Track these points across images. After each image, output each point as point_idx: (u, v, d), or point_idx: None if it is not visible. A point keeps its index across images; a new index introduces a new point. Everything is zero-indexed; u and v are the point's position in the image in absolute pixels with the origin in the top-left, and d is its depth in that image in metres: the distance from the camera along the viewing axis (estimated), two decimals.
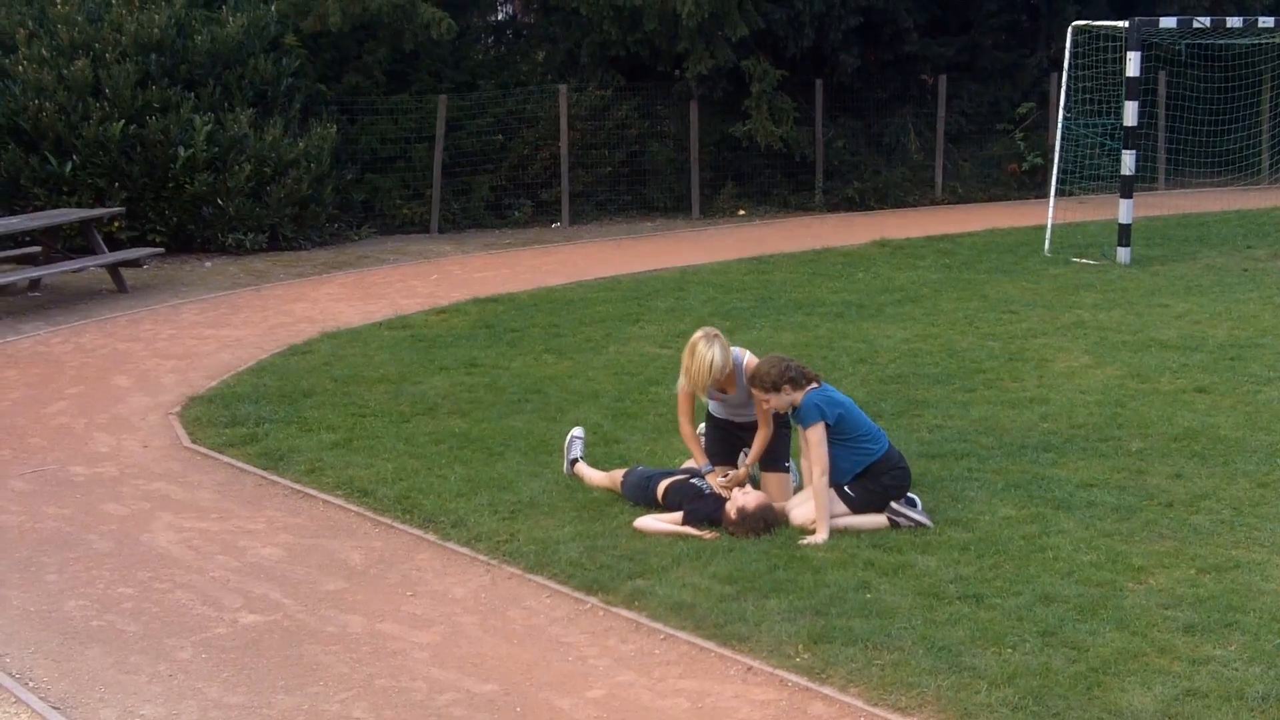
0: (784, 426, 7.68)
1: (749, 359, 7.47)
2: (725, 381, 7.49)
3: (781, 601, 6.18)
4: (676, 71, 21.22)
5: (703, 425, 8.20)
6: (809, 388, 7.16)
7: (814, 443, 7.05)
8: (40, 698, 5.52)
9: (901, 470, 7.21)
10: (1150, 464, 8.09)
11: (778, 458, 7.60)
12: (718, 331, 7.40)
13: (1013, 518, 7.20)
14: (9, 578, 6.78)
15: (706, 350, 7.27)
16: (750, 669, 5.63)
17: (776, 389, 7.16)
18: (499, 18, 23.70)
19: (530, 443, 8.71)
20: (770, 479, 7.57)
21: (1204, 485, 7.69)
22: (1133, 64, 15.25)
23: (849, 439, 7.12)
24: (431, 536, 7.23)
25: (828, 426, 7.06)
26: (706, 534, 7.03)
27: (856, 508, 7.10)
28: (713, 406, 7.81)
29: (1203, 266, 15.17)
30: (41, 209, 15.98)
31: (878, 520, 7.10)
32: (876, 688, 5.39)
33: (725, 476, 7.42)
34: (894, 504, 7.11)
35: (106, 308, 13.88)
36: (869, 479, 7.12)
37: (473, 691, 5.51)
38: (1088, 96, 18.74)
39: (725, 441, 7.75)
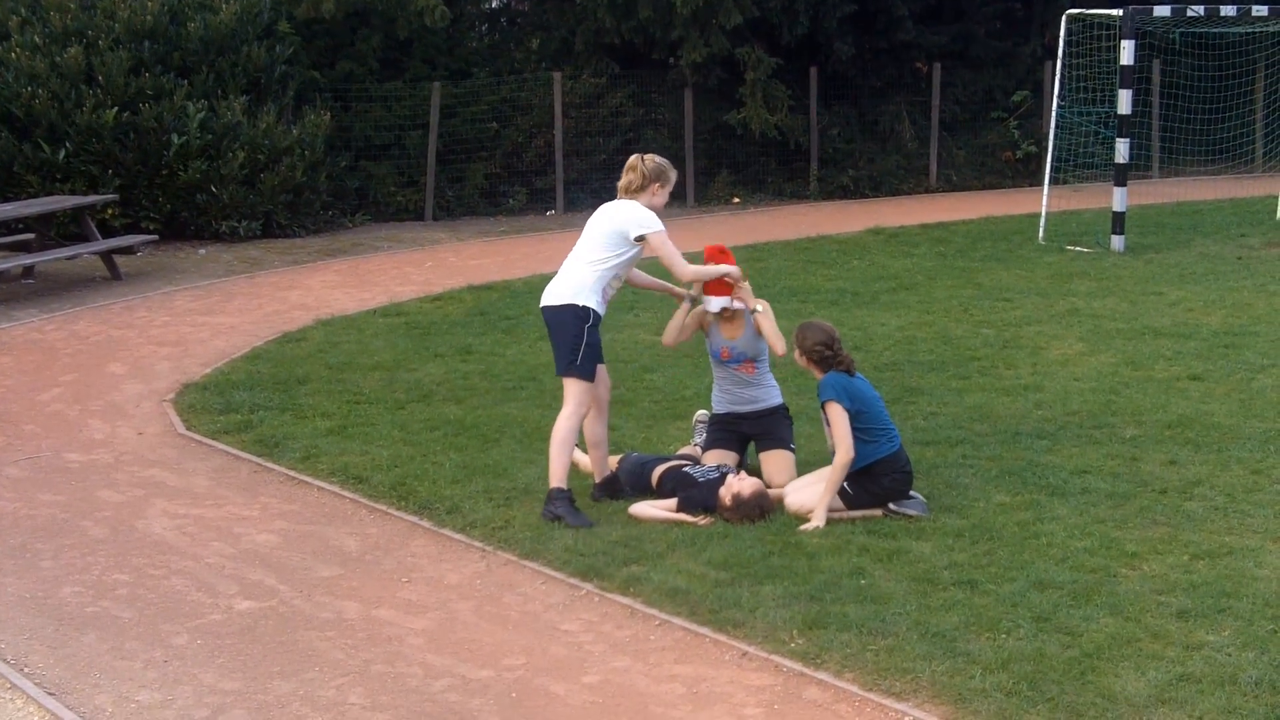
0: (786, 415, 7.72)
1: (765, 307, 7.60)
2: (733, 324, 7.67)
3: (776, 587, 6.19)
4: (671, 59, 21.19)
5: (701, 417, 8.21)
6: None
7: (834, 420, 7.02)
8: (35, 683, 5.52)
9: (904, 475, 7.17)
10: (1144, 451, 8.10)
11: (779, 438, 7.64)
12: None
13: (1007, 504, 7.22)
14: (4, 564, 6.78)
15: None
16: (745, 654, 5.64)
17: (803, 353, 7.25)
18: (493, 5, 23.64)
19: (525, 429, 8.71)
20: (770, 457, 7.60)
21: (1197, 472, 7.71)
22: (1127, 52, 15.25)
23: (861, 429, 7.09)
24: (426, 523, 7.23)
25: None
26: (701, 520, 7.04)
27: (853, 505, 7.09)
28: (716, 391, 7.83)
29: (1196, 254, 15.18)
30: (35, 196, 15.92)
31: (872, 510, 7.11)
32: (871, 673, 5.41)
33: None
34: (891, 504, 7.11)
35: (100, 295, 13.85)
36: (869, 479, 7.08)
37: (468, 677, 5.52)
38: (1082, 85, 18.73)
39: (727, 433, 7.80)
